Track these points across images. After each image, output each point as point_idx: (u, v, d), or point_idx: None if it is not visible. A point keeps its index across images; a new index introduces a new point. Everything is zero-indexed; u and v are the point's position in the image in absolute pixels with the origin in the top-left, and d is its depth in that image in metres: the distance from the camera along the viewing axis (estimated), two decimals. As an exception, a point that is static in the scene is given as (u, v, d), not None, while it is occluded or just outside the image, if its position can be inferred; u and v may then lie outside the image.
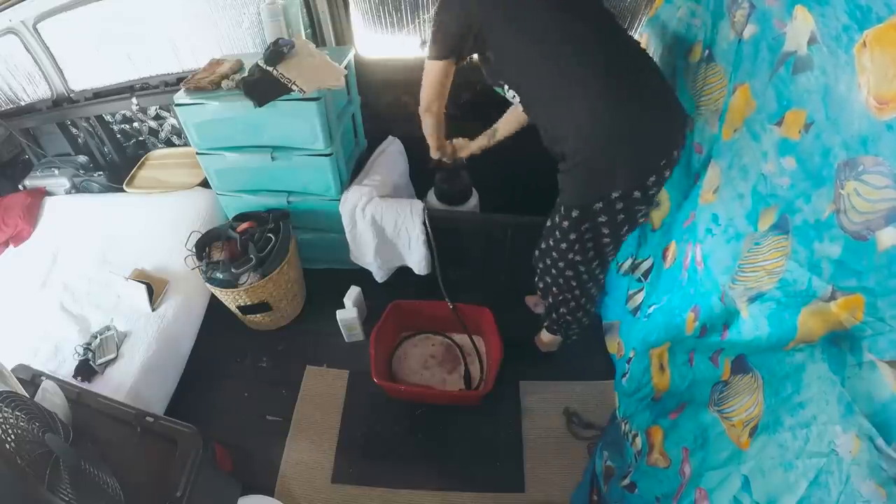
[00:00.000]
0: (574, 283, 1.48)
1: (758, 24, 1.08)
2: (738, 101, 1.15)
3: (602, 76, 1.18)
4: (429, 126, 1.57)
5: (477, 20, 1.24)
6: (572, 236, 1.34)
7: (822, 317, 0.86)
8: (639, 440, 1.33)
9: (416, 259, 1.91)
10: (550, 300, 1.59)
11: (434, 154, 1.75)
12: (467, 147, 1.80)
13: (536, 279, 1.59)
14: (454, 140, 1.80)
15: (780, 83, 1.00)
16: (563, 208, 1.32)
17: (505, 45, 1.26)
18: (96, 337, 1.66)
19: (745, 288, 1.06)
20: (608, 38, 1.24)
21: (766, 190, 1.03)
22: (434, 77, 1.38)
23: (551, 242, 1.41)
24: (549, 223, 1.41)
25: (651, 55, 1.61)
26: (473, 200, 1.99)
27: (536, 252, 1.52)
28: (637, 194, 1.23)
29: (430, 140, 1.66)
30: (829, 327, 0.85)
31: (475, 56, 1.36)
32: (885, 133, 0.75)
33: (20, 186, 2.31)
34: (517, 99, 1.32)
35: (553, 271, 1.48)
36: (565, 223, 1.33)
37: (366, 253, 1.96)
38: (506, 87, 1.34)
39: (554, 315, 1.64)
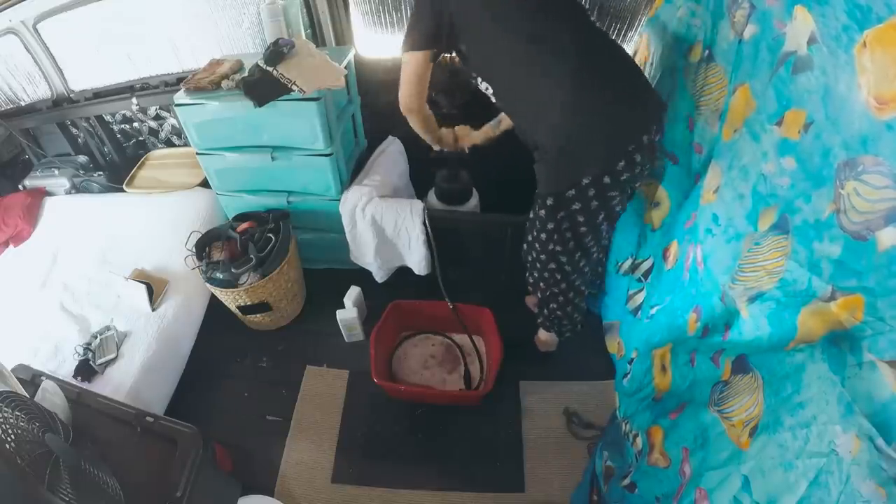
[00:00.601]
0: (559, 276, 1.49)
1: (758, 24, 1.08)
2: (739, 102, 1.15)
3: (572, 65, 1.20)
4: (416, 124, 1.55)
5: (451, 9, 1.25)
6: (550, 226, 1.36)
7: (822, 317, 0.86)
8: (639, 440, 1.33)
9: (416, 259, 1.91)
10: (540, 296, 1.61)
11: (435, 147, 1.73)
12: (470, 136, 1.77)
13: (526, 275, 1.60)
14: (456, 128, 1.78)
15: (780, 83, 1.00)
16: (539, 199, 1.35)
17: (479, 36, 1.27)
18: (96, 337, 1.66)
19: (745, 288, 1.06)
20: (580, 28, 1.26)
21: (766, 190, 1.03)
22: (411, 70, 1.36)
23: (534, 234, 1.43)
24: (531, 215, 1.43)
25: (650, 55, 1.62)
26: (473, 200, 1.99)
27: (524, 246, 1.53)
28: (607, 180, 1.25)
29: (425, 136, 1.65)
30: (829, 327, 0.85)
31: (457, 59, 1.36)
32: (884, 133, 0.75)
33: (20, 186, 2.31)
34: (490, 91, 1.33)
35: (538, 265, 1.50)
36: (542, 212, 1.35)
37: (366, 253, 1.96)
38: (479, 79, 1.34)
39: (546, 311, 1.66)
